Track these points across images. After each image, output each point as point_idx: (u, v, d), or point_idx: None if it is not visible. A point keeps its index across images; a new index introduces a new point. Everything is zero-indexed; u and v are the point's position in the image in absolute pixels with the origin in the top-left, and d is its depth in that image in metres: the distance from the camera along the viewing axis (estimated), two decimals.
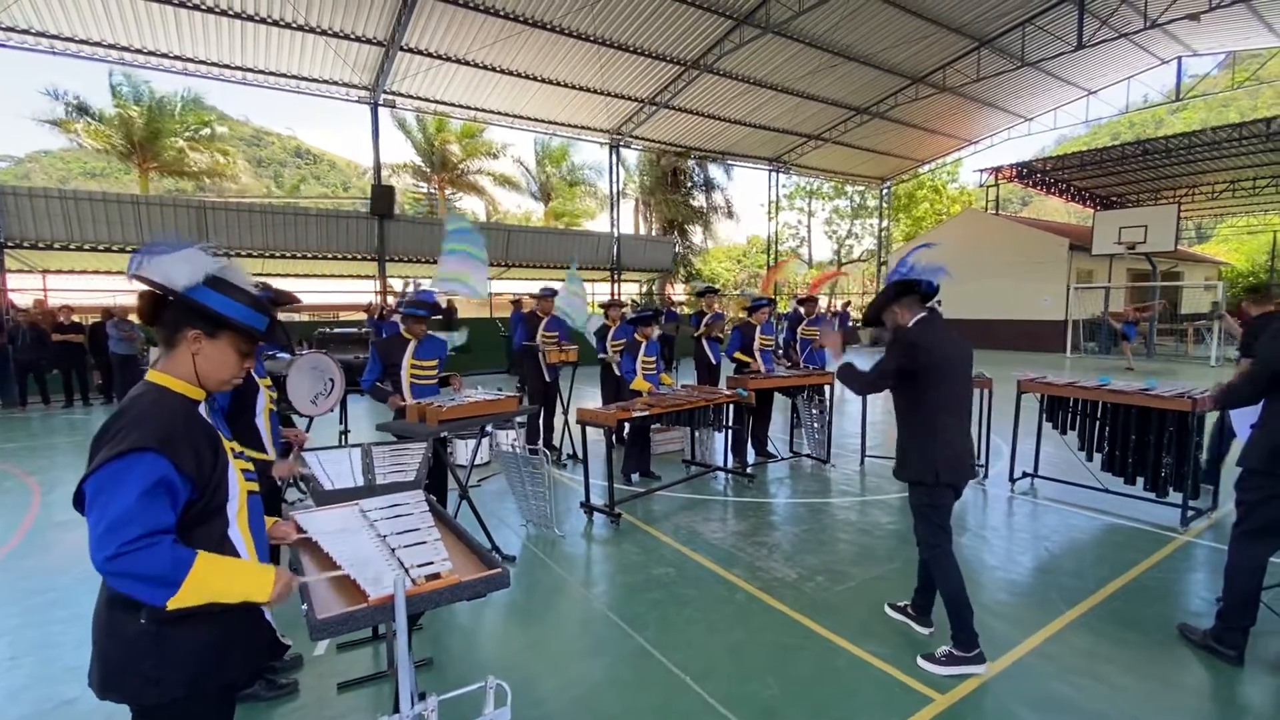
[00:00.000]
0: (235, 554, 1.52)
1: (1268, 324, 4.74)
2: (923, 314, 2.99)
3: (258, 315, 1.58)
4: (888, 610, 3.43)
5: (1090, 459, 5.18)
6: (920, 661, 2.94)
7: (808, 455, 6.84)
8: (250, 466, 1.67)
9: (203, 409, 1.56)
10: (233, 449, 1.60)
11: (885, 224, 29.90)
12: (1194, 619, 3.27)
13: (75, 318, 11.25)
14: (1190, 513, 4.68)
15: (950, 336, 2.96)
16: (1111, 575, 3.87)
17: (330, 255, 15.23)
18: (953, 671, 2.86)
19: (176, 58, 12.67)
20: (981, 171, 24.85)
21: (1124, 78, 21.29)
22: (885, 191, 28.58)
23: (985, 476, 5.94)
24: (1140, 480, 4.85)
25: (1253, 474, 2.92)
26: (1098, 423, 5.11)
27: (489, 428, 5.66)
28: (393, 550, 1.81)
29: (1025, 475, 5.73)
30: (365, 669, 2.98)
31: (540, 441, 6.70)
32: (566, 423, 6.98)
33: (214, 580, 1.35)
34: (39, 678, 2.91)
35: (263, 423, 2.72)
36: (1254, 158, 21.75)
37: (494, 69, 14.73)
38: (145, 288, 1.47)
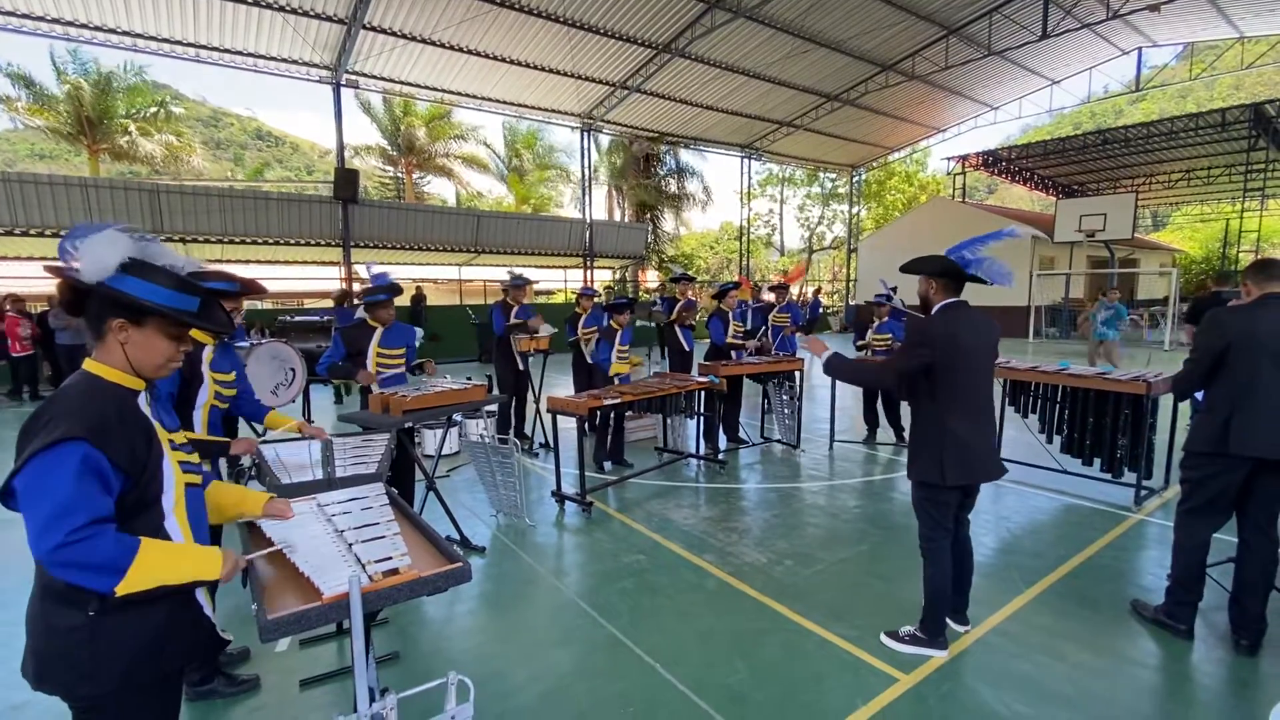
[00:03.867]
0: None
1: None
2: (952, 300, 2.81)
3: (184, 297, 1.50)
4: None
5: (1050, 441, 5.32)
6: (883, 638, 3.00)
7: (778, 441, 6.90)
8: (191, 459, 1.61)
9: (143, 399, 1.50)
10: (171, 440, 1.53)
11: (856, 210, 30.17)
12: (1146, 595, 3.38)
13: None
14: (1143, 492, 4.84)
15: (975, 324, 2.78)
16: (1069, 554, 3.98)
17: (292, 241, 14.79)
18: (913, 651, 2.92)
19: (125, 33, 12.05)
20: (949, 159, 25.24)
21: (1086, 68, 21.74)
22: (856, 179, 28.82)
23: None
24: (1097, 461, 5.00)
25: (1196, 455, 3.00)
26: (1058, 406, 5.24)
27: (458, 417, 5.58)
28: (349, 546, 1.76)
29: None
30: (329, 664, 2.92)
31: (511, 430, 6.62)
32: (538, 411, 6.92)
33: (160, 564, 1.37)
34: None
35: (200, 417, 2.59)
36: (1209, 147, 22.48)
37: (461, 49, 14.35)
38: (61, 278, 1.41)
